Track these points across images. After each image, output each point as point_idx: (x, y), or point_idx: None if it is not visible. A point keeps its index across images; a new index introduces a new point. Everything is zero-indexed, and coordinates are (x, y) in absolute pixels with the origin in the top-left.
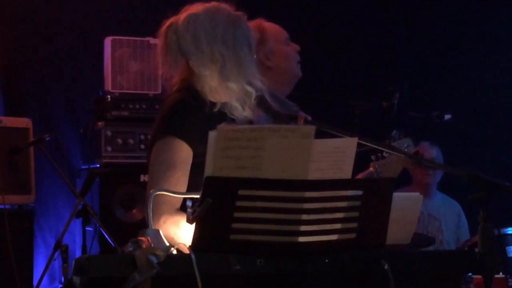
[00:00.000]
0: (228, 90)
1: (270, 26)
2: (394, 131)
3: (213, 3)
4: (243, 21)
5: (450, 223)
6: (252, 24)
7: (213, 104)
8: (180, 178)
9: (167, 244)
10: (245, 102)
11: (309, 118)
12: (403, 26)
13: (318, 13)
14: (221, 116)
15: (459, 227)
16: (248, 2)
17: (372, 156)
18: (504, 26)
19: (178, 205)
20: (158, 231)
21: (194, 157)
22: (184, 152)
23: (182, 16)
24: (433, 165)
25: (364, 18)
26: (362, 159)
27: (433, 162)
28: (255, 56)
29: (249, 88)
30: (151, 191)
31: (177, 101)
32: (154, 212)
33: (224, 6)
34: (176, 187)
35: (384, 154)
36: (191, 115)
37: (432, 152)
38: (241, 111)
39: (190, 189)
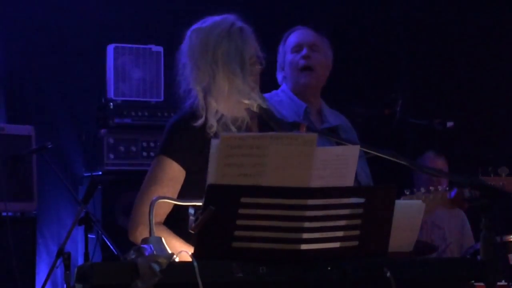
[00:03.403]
0: (210, 106)
1: (292, 35)
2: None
3: (223, 16)
4: (242, 34)
5: (454, 232)
6: (284, 35)
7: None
8: (165, 194)
9: (169, 252)
10: (237, 120)
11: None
12: (405, 33)
13: (319, 20)
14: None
15: (463, 235)
16: (248, 9)
17: (405, 191)
18: (507, 33)
19: (160, 219)
20: (160, 239)
21: (192, 174)
22: (172, 171)
23: (187, 33)
24: (436, 172)
25: (366, 25)
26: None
27: (435, 170)
28: (259, 67)
29: (246, 101)
30: (153, 198)
31: (176, 120)
32: (133, 221)
33: (230, 18)
34: (157, 202)
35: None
36: (186, 136)
37: (437, 162)
38: (215, 129)
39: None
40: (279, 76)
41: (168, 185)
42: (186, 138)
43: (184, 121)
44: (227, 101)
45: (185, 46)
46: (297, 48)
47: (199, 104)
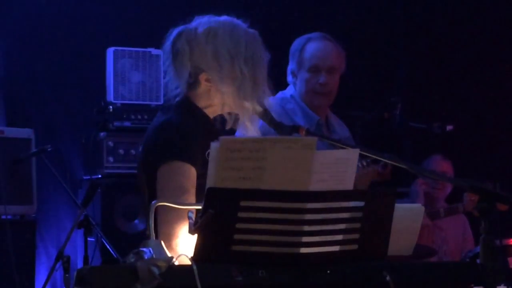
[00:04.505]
0: (243, 109)
1: (311, 47)
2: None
3: (225, 17)
4: (259, 39)
5: (455, 235)
6: (301, 40)
7: (219, 121)
8: (192, 202)
9: (169, 255)
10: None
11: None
12: (404, 36)
13: (317, 23)
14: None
15: (465, 239)
16: (247, 11)
17: None
18: (507, 36)
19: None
20: (159, 242)
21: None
22: (193, 176)
23: (199, 29)
24: (435, 176)
25: (365, 29)
26: None
27: (434, 173)
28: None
29: (257, 106)
30: (153, 202)
31: (180, 123)
32: (167, 235)
33: (238, 21)
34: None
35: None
36: (195, 139)
37: (442, 165)
38: (252, 130)
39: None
40: (289, 78)
41: (193, 193)
42: (196, 141)
43: (191, 123)
44: (252, 102)
45: (199, 47)
46: (315, 69)
47: (225, 107)
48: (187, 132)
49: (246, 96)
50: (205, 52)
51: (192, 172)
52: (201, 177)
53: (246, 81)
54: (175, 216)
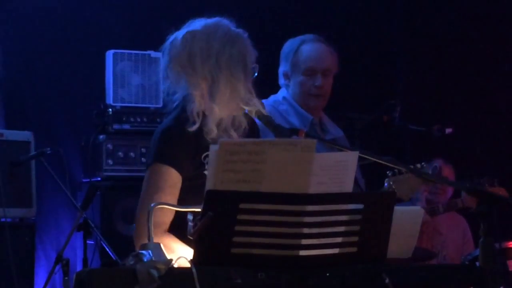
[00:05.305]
0: (212, 112)
1: (305, 50)
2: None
3: (215, 19)
4: (242, 39)
5: (455, 239)
6: (295, 42)
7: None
8: (168, 201)
9: (168, 258)
10: (235, 124)
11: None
12: (403, 39)
13: (316, 25)
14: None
15: (464, 243)
16: (246, 13)
17: (388, 172)
18: (506, 38)
19: (165, 227)
20: (159, 245)
21: (186, 180)
22: (172, 178)
23: (182, 32)
24: (434, 178)
25: (364, 32)
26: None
27: (433, 176)
28: (254, 75)
29: (247, 107)
30: (151, 204)
31: (166, 127)
32: (139, 233)
33: (224, 22)
34: (162, 210)
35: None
36: (180, 141)
37: (444, 169)
38: (215, 135)
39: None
40: (281, 81)
41: (170, 193)
42: (181, 144)
43: (177, 126)
44: (227, 106)
45: (177, 51)
46: (310, 72)
47: (195, 109)
48: (172, 135)
49: (216, 99)
50: (182, 56)
51: (170, 173)
52: (194, 178)
53: (219, 84)
54: (144, 218)
